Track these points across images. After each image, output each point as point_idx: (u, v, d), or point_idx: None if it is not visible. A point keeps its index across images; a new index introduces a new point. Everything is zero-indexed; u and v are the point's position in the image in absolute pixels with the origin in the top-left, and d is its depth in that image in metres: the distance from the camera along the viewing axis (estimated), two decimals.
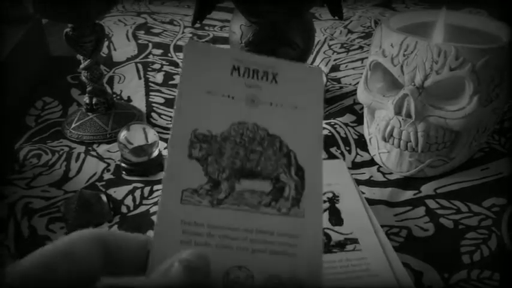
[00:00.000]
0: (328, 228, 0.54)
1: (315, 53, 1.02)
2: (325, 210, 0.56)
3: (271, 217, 0.31)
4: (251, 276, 0.30)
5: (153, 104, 0.84)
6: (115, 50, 1.06)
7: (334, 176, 0.62)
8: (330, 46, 1.06)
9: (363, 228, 0.54)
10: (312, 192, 0.32)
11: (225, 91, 0.32)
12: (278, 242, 0.30)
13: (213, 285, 0.29)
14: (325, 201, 0.57)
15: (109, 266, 0.28)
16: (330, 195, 0.58)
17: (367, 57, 0.94)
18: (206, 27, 1.18)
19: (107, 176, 0.66)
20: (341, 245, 0.51)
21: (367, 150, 0.70)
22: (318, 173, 0.33)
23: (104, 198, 0.60)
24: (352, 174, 0.63)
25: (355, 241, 0.52)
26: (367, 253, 0.50)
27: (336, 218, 0.55)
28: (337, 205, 0.57)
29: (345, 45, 1.07)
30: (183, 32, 1.15)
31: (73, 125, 0.75)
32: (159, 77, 0.93)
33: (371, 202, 0.60)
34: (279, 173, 0.32)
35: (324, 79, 0.92)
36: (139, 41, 1.10)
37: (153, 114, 0.81)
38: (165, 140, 0.73)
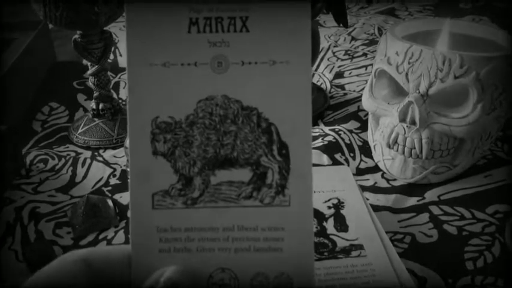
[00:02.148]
0: (333, 234, 0.54)
1: (319, 59, 1.03)
2: (330, 216, 0.57)
3: (253, 210, 0.27)
4: (235, 277, 0.27)
5: None
6: (121, 55, 1.06)
7: (339, 182, 0.62)
8: (334, 53, 1.07)
9: (368, 234, 0.54)
10: (299, 174, 0.27)
11: (184, 58, 0.27)
12: (262, 237, 0.27)
13: None
14: (330, 207, 0.58)
15: (95, 283, 0.27)
16: (335, 201, 0.59)
17: (371, 64, 0.95)
18: None
19: (113, 181, 0.67)
20: (346, 251, 0.52)
21: (371, 157, 0.70)
22: (305, 150, 0.27)
23: (110, 203, 0.61)
24: (356, 180, 0.64)
25: (360, 247, 0.52)
26: (372, 259, 0.50)
27: (341, 224, 0.56)
28: (342, 211, 0.57)
29: (348, 52, 1.07)
30: None
31: (79, 130, 0.75)
32: None
33: (375, 208, 0.60)
34: (259, 155, 0.27)
35: (328, 86, 0.93)
36: None
37: None
38: None
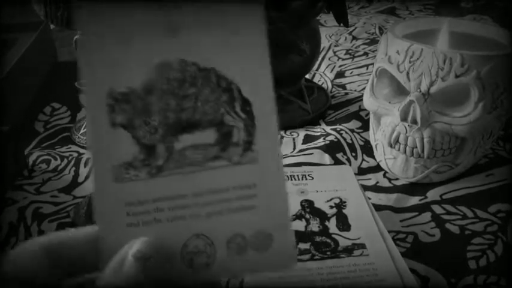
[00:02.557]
0: (335, 234, 0.54)
1: (320, 59, 1.03)
2: (332, 216, 0.57)
3: (222, 171, 0.27)
4: (210, 243, 0.27)
5: None
6: None
7: (341, 182, 0.62)
8: (335, 52, 1.07)
9: (370, 233, 0.54)
10: (265, 129, 0.27)
11: (134, 23, 0.26)
12: (234, 197, 0.27)
13: (171, 266, 0.26)
14: (332, 207, 0.58)
15: (58, 268, 0.27)
16: (337, 200, 0.59)
17: (372, 64, 0.95)
18: None
19: None
20: (348, 251, 0.52)
21: (373, 156, 0.70)
22: (269, 104, 0.27)
23: None
24: (358, 180, 0.64)
25: (362, 246, 0.52)
26: (374, 258, 0.51)
27: (343, 223, 0.56)
28: (344, 210, 0.57)
29: (349, 51, 1.07)
30: None
31: (81, 131, 0.75)
32: None
33: (377, 208, 0.60)
34: (222, 114, 0.27)
35: (329, 85, 0.93)
36: None
37: None
38: None
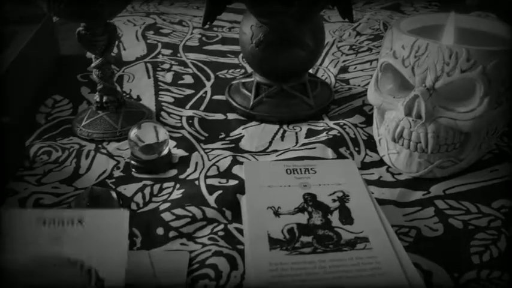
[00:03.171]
0: (338, 227, 0.54)
1: (323, 54, 1.03)
2: (335, 209, 0.56)
3: None
4: None
5: (163, 103, 0.84)
6: (124, 49, 1.06)
7: (344, 176, 0.62)
8: (338, 48, 1.07)
9: (373, 227, 0.54)
10: None
11: None
12: None
13: None
14: (335, 200, 0.58)
15: None
16: (340, 194, 0.59)
17: (376, 59, 0.94)
18: (215, 28, 1.18)
19: (117, 173, 0.67)
20: (351, 244, 0.51)
21: (376, 151, 0.70)
22: None
23: (114, 195, 0.60)
24: (361, 174, 0.63)
25: (365, 240, 0.52)
26: (377, 252, 0.50)
27: (346, 216, 0.55)
28: (347, 204, 0.57)
29: (353, 47, 1.07)
30: (192, 33, 1.16)
31: (83, 123, 0.75)
32: (168, 77, 0.94)
33: (380, 202, 0.60)
34: None
35: (333, 80, 0.93)
36: (149, 41, 1.10)
37: (163, 113, 0.81)
38: (174, 139, 0.73)
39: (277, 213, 0.56)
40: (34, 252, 0.41)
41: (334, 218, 0.55)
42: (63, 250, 0.42)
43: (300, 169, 0.63)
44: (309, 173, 0.62)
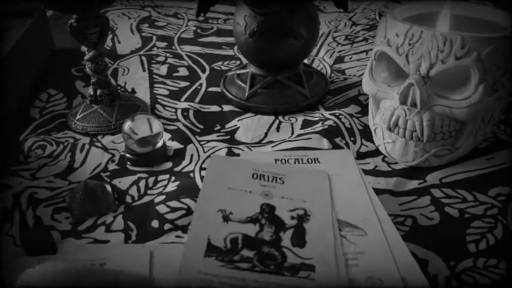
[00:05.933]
0: (287, 248, 0.49)
1: (319, 44, 1.02)
2: (290, 228, 0.51)
3: None
4: None
5: (158, 96, 0.84)
6: (119, 43, 1.06)
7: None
8: (334, 38, 1.06)
9: (324, 255, 0.48)
10: None
11: None
12: None
13: None
14: (293, 218, 0.53)
15: None
16: (301, 212, 0.54)
17: (371, 49, 0.94)
18: (210, 20, 1.17)
19: (112, 166, 0.66)
20: (295, 270, 0.46)
21: (372, 141, 0.70)
22: None
23: (109, 188, 0.60)
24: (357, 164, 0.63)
25: (311, 268, 0.46)
26: (319, 284, 0.45)
27: (299, 238, 0.50)
28: (305, 224, 0.52)
29: (349, 37, 1.06)
30: (186, 25, 1.15)
31: (78, 117, 0.75)
32: (163, 69, 0.93)
33: (376, 192, 0.59)
34: None
35: (329, 70, 0.92)
36: (143, 34, 1.10)
37: (158, 106, 0.81)
38: (169, 131, 0.73)
39: (226, 219, 0.51)
40: None
41: (286, 237, 0.50)
42: None
43: (268, 176, 0.59)
44: (276, 182, 0.58)
